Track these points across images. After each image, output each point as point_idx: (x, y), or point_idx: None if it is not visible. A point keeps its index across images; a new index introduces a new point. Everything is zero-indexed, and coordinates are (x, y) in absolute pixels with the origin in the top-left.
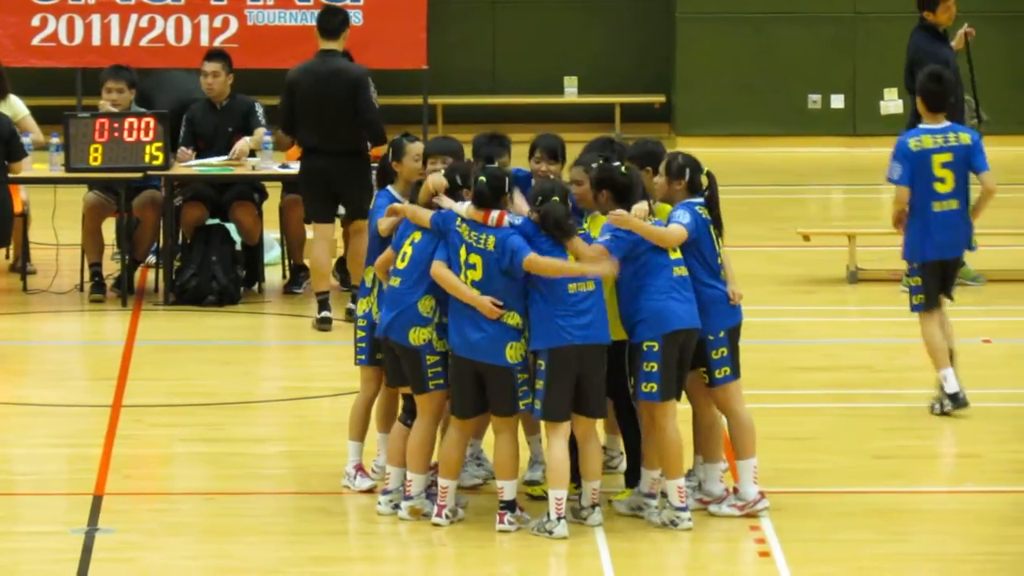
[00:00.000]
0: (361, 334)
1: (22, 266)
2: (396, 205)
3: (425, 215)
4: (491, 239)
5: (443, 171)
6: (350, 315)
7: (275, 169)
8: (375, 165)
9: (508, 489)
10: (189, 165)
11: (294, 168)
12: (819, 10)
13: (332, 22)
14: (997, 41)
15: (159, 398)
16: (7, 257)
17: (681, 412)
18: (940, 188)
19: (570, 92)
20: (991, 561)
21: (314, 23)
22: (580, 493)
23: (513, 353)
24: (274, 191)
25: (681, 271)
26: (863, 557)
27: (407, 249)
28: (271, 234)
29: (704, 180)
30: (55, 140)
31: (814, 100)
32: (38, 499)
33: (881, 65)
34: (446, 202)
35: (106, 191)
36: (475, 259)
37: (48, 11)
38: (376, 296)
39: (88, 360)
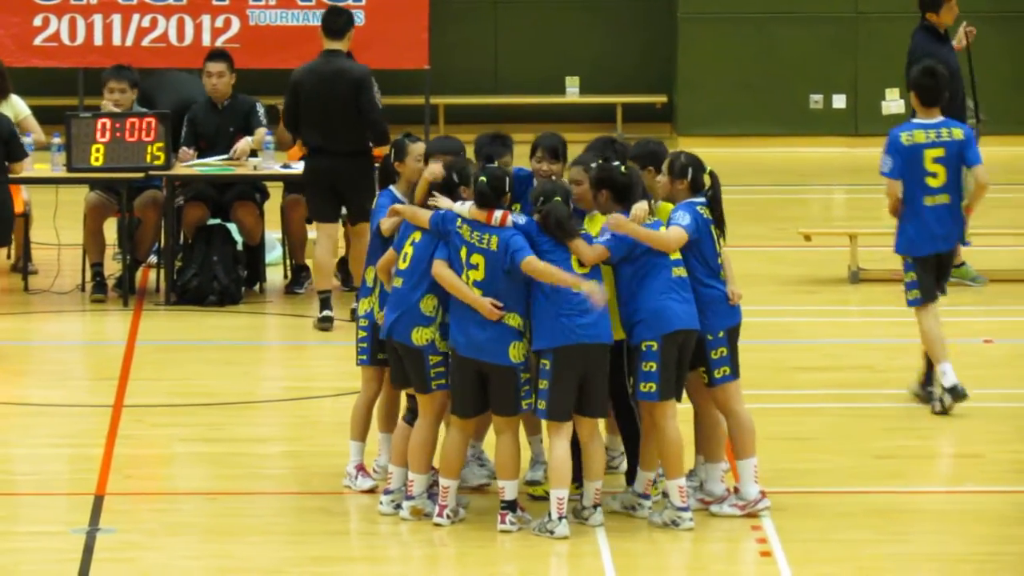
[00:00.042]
0: (363, 334)
1: (23, 266)
2: (396, 206)
3: (424, 216)
4: (494, 239)
5: (442, 165)
6: (354, 315)
7: (276, 169)
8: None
9: (509, 489)
10: (190, 165)
11: (295, 168)
12: (821, 10)
13: (337, 22)
14: (997, 41)
15: (160, 398)
16: (8, 257)
17: (681, 412)
18: (932, 183)
19: (572, 92)
20: (991, 561)
21: (316, 23)
22: (581, 493)
23: (516, 353)
24: (275, 191)
25: (680, 272)
26: (864, 557)
27: (408, 249)
28: (272, 234)
29: (707, 179)
30: (57, 140)
31: (816, 100)
32: (39, 499)
33: (883, 65)
34: (443, 202)
35: (108, 191)
36: (477, 259)
37: (50, 11)
38: (378, 296)
39: (89, 360)
